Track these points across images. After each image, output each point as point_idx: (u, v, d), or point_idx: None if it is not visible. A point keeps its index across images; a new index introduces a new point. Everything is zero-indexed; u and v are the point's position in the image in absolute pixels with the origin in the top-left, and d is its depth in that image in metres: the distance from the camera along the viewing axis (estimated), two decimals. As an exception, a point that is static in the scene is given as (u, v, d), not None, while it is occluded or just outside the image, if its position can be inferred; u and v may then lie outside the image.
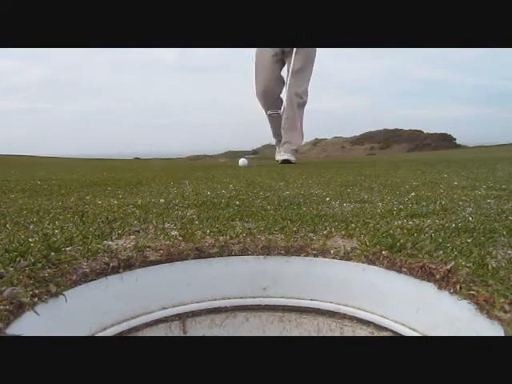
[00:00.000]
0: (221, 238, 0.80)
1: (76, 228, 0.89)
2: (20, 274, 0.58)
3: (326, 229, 0.88)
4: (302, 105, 4.73)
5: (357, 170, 3.14)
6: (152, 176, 2.88)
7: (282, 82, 4.80)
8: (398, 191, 1.57)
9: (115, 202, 1.38)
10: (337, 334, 0.75)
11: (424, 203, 1.22)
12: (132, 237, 0.83)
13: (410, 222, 0.94)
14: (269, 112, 4.91)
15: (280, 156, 4.92)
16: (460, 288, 0.57)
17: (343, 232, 0.85)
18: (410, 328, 0.66)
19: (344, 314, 0.74)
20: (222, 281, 0.77)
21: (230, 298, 0.77)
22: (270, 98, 4.83)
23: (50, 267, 0.63)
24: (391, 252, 0.69)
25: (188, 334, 0.76)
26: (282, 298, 0.78)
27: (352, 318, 0.74)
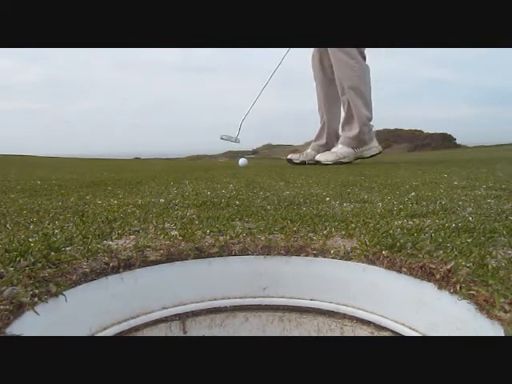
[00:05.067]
0: (221, 238, 0.80)
1: (76, 228, 0.89)
2: (20, 274, 0.58)
3: (326, 229, 0.88)
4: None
5: (357, 170, 3.14)
6: (152, 176, 2.88)
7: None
8: (397, 191, 1.57)
9: (115, 201, 1.37)
10: (337, 333, 0.75)
11: (424, 203, 1.22)
12: (132, 237, 0.83)
13: (410, 222, 0.94)
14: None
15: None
16: (460, 288, 0.57)
17: (343, 232, 0.85)
18: (410, 328, 0.66)
19: (344, 314, 0.74)
20: (222, 281, 0.77)
21: (229, 298, 0.77)
22: None
23: (50, 267, 0.63)
24: (391, 252, 0.69)
25: (188, 334, 0.76)
26: (282, 297, 0.78)
27: (352, 318, 0.74)
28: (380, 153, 4.31)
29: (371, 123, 4.31)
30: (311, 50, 4.75)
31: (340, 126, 4.38)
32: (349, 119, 4.25)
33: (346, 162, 4.17)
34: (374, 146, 4.34)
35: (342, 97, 4.23)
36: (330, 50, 4.15)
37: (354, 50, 4.05)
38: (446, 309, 0.59)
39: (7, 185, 2.12)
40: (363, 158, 4.35)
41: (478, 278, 0.56)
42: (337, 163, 4.16)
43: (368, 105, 4.23)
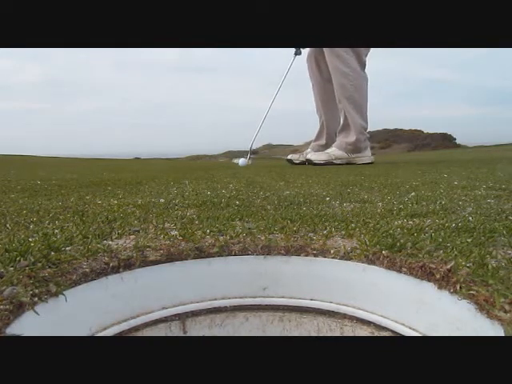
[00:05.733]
0: (221, 238, 0.80)
1: (76, 228, 0.89)
2: (20, 274, 0.58)
3: (326, 228, 0.88)
4: None
5: (357, 170, 3.14)
6: (152, 176, 2.88)
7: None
8: (397, 191, 1.57)
9: (115, 201, 1.37)
10: (337, 333, 0.75)
11: (424, 203, 1.22)
12: (132, 237, 0.83)
13: (410, 222, 0.94)
14: None
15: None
16: (460, 288, 0.57)
17: (343, 232, 0.85)
18: (410, 328, 0.66)
19: (344, 314, 0.74)
20: (222, 281, 0.77)
21: (229, 298, 0.77)
22: None
23: (50, 267, 0.63)
24: (391, 252, 0.69)
25: (188, 334, 0.76)
26: (282, 297, 0.78)
27: (352, 318, 0.74)
28: (372, 163, 4.31)
29: (367, 132, 4.32)
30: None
31: (337, 131, 4.39)
32: (345, 127, 4.27)
33: (337, 164, 4.17)
34: (367, 156, 4.37)
35: (339, 104, 4.24)
36: (327, 56, 4.15)
37: (351, 58, 4.04)
38: (446, 309, 0.59)
39: (7, 185, 2.12)
40: (353, 164, 4.36)
41: (478, 277, 0.56)
42: (327, 164, 4.16)
43: (363, 114, 4.24)
